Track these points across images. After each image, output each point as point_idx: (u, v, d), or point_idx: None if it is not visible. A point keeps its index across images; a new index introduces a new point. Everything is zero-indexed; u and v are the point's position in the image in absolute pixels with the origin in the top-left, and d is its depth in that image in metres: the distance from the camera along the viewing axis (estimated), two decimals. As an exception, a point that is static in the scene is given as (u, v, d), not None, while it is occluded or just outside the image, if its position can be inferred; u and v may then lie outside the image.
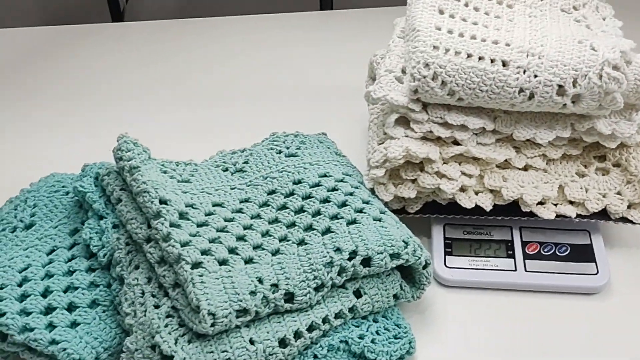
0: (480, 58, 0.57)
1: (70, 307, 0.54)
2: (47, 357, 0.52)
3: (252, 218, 0.57)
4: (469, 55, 0.57)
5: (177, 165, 0.61)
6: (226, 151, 0.65)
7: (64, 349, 0.50)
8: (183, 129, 0.82)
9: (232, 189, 0.60)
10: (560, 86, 0.56)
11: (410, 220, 0.62)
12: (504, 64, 0.57)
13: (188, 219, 0.54)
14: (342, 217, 0.56)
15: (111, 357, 0.53)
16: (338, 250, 0.53)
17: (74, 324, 0.53)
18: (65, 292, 0.54)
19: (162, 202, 0.54)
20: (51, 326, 0.52)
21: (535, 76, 0.57)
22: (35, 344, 0.50)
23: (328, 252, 0.53)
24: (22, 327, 0.51)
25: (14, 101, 0.89)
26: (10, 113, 0.87)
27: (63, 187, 0.64)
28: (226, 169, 0.62)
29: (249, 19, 1.05)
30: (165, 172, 0.59)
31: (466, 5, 0.64)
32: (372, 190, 0.61)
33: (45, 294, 0.54)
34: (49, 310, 0.53)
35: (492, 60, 0.57)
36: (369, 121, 0.67)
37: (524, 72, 0.57)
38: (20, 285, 0.54)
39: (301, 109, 0.84)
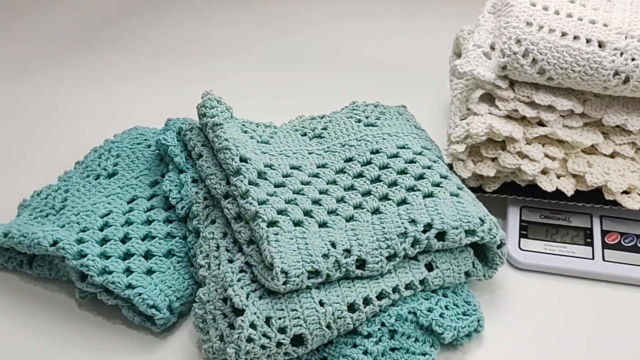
0: (575, 37, 0.56)
1: (147, 255, 0.55)
2: (122, 300, 0.54)
3: (328, 183, 0.57)
4: (563, 34, 0.56)
5: (257, 127, 0.62)
6: (305, 116, 0.65)
7: (139, 294, 0.52)
8: (263, 91, 0.83)
9: (309, 153, 0.60)
10: (658, 71, 0.54)
11: (487, 200, 0.61)
12: (600, 44, 0.55)
13: (266, 179, 0.54)
14: (418, 190, 0.55)
15: (182, 306, 0.54)
16: (413, 221, 0.52)
17: (149, 272, 0.54)
18: (143, 240, 0.56)
19: (243, 160, 0.54)
20: (128, 271, 0.54)
21: (633, 59, 0.54)
22: (113, 287, 0.52)
23: (403, 223, 0.52)
24: (101, 269, 0.53)
25: (105, 56, 0.92)
26: (100, 67, 0.90)
27: (145, 140, 0.66)
28: (305, 134, 0.62)
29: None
30: (245, 131, 0.60)
31: (563, -18, 0.61)
32: (450, 166, 0.60)
33: (124, 240, 0.56)
34: (127, 255, 0.55)
35: (588, 40, 0.55)
36: (452, 96, 0.66)
37: (621, 54, 0.55)
38: (101, 229, 0.56)
39: (382, 80, 0.84)
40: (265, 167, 0.56)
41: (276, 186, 0.54)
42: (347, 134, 0.62)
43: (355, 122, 0.63)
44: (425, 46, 0.89)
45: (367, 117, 0.63)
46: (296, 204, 0.53)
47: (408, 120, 0.65)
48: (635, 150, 0.59)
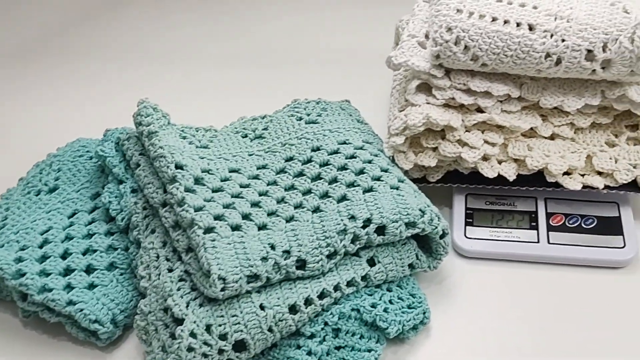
0: (505, 22, 0.55)
1: (89, 269, 0.55)
2: (64, 317, 0.53)
3: (268, 185, 0.56)
4: (493, 19, 0.55)
5: (197, 131, 0.61)
6: (247, 117, 0.64)
7: (81, 310, 0.51)
8: (205, 94, 0.82)
9: (250, 155, 0.59)
10: (589, 51, 0.54)
11: (432, 190, 0.60)
12: (530, 27, 0.55)
13: (203, 185, 0.54)
14: (358, 185, 0.55)
15: (127, 318, 0.54)
16: (352, 218, 0.52)
17: (91, 286, 0.54)
18: (84, 254, 0.55)
19: (178, 167, 0.54)
20: (69, 287, 0.53)
21: (563, 40, 0.54)
22: (53, 304, 0.52)
23: (342, 220, 0.52)
24: (41, 288, 0.52)
25: (49, 68, 0.90)
26: (42, 80, 0.88)
27: (87, 152, 0.65)
28: (245, 135, 0.62)
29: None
30: (184, 137, 0.59)
31: (494, -33, 0.61)
32: (393, 159, 0.60)
33: (64, 255, 0.55)
34: (67, 271, 0.54)
35: (518, 24, 0.55)
36: (392, 88, 0.65)
37: (551, 36, 0.54)
38: (41, 247, 0.56)
39: (327, 76, 0.83)
40: (202, 172, 0.55)
41: (214, 191, 0.54)
42: (287, 132, 0.61)
43: (297, 120, 0.63)
44: (369, 38, 0.88)
45: (308, 115, 0.63)
46: (234, 208, 0.53)
47: (350, 115, 0.64)
48: (575, 131, 0.59)
